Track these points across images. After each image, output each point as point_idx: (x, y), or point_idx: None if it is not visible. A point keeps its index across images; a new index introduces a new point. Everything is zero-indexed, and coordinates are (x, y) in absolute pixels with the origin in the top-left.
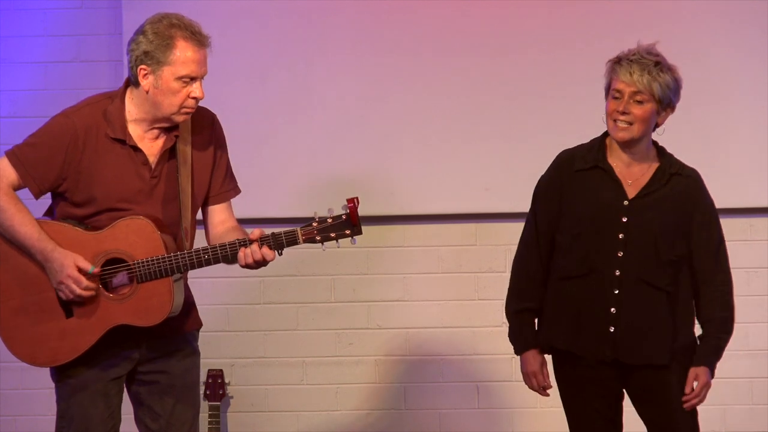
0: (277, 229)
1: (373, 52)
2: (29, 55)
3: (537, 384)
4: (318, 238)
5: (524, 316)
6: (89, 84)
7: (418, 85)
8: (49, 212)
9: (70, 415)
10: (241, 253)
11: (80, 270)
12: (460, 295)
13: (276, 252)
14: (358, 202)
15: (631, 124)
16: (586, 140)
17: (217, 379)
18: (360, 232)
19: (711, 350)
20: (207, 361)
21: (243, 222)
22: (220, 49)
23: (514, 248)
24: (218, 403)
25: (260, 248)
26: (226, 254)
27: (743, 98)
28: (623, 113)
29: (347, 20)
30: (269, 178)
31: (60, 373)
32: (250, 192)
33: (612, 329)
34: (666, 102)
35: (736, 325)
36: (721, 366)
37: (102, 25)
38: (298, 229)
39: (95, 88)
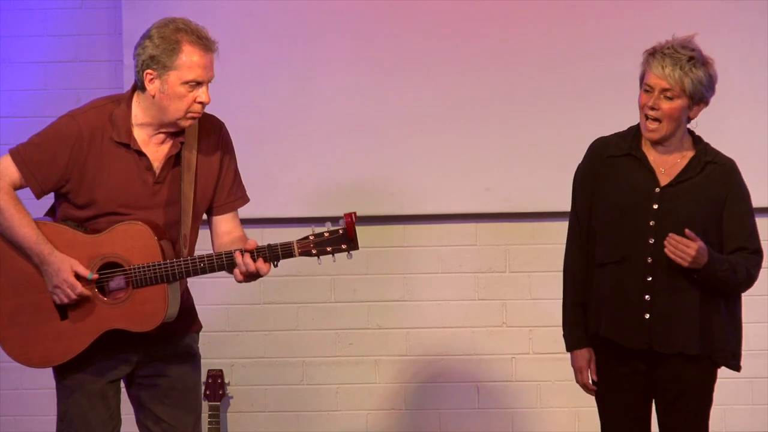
0: (273, 242)
1: (373, 52)
2: (29, 55)
3: (582, 380)
4: (314, 251)
5: (576, 312)
6: (89, 84)
7: (419, 85)
8: (51, 212)
9: (70, 417)
10: (237, 269)
11: (78, 276)
12: (460, 295)
13: (271, 264)
14: (356, 217)
15: (659, 120)
16: (586, 141)
17: (217, 379)
18: (356, 248)
19: (718, 256)
20: (207, 361)
21: (243, 222)
22: (220, 49)
23: (514, 248)
24: (218, 403)
25: (255, 261)
26: (222, 264)
27: (743, 98)
28: (652, 108)
29: (347, 20)
30: (269, 178)
31: (59, 375)
32: (250, 192)
33: (647, 316)
34: (698, 97)
35: None
36: (721, 366)
37: (102, 25)
38: (294, 241)
39: (95, 88)
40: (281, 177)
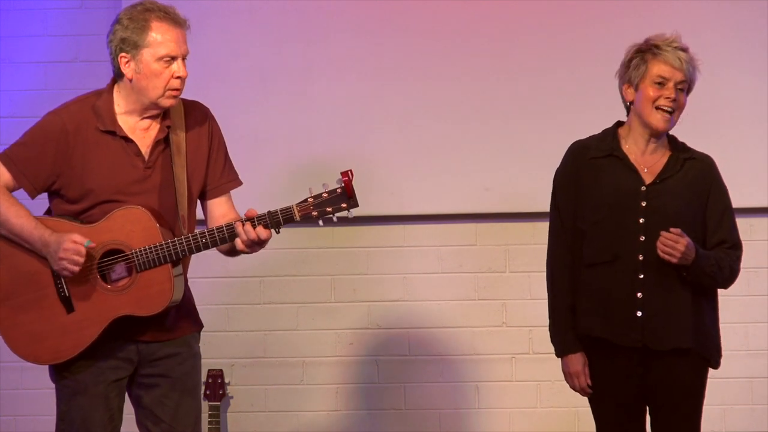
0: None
1: (373, 52)
2: (29, 55)
3: (579, 385)
4: (314, 213)
5: (567, 316)
6: (89, 84)
7: (419, 85)
8: (47, 215)
9: (71, 417)
10: (239, 239)
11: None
12: (460, 295)
13: (273, 230)
14: (352, 175)
15: (671, 112)
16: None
17: (217, 379)
18: (356, 205)
19: (704, 253)
20: (207, 361)
21: None
22: (221, 50)
23: (514, 248)
24: (218, 403)
25: (254, 228)
26: (224, 236)
27: (743, 99)
28: (673, 100)
29: (347, 20)
30: (268, 179)
31: (59, 375)
32: (249, 192)
33: (639, 314)
34: (692, 88)
35: (736, 325)
36: (721, 366)
37: (102, 25)
38: (294, 205)
39: (95, 88)
40: (280, 177)
